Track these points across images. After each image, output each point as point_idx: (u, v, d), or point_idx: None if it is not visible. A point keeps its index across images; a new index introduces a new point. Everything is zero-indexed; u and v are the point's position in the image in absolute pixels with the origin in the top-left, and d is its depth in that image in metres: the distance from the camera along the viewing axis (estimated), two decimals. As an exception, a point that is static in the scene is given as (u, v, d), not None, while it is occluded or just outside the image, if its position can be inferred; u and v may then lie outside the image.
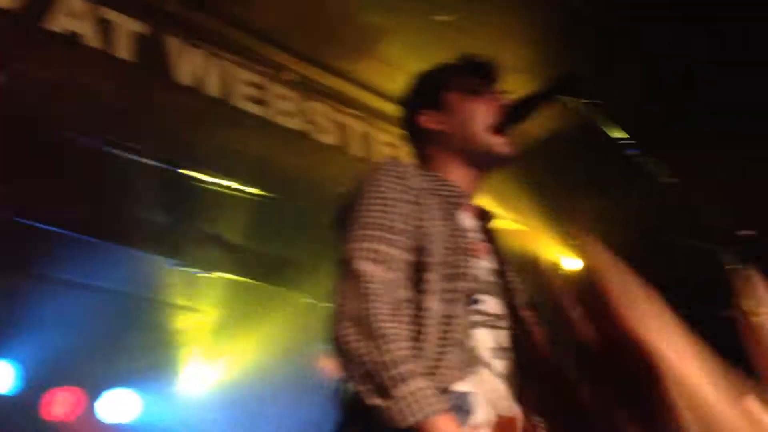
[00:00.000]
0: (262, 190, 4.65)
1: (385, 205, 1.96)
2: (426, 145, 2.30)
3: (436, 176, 2.18)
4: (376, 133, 4.89)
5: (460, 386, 1.90)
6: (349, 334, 1.78)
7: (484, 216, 2.28)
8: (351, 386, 1.79)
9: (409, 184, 2.03)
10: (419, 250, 1.96)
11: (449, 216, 2.09)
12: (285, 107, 4.45)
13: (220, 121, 4.24)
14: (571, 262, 6.12)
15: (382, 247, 1.90)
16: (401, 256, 1.92)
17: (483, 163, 2.25)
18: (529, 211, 5.82)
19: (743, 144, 5.17)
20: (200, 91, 4.13)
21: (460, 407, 1.88)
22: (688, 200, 1.76)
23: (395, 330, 1.78)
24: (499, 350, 2.05)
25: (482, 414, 1.93)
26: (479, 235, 2.20)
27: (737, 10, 4.33)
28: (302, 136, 4.51)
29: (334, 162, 4.59)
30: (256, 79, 4.39)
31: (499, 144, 2.19)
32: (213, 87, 4.17)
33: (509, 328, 2.10)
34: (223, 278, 5.32)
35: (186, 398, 6.05)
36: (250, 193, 4.72)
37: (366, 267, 1.85)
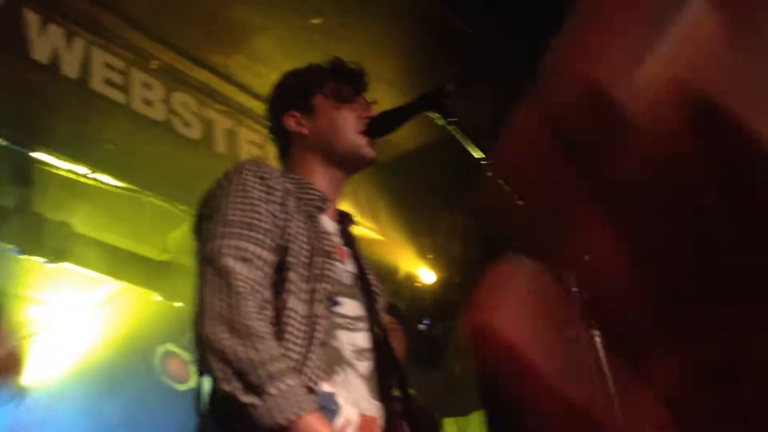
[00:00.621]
0: (117, 180, 4.47)
1: (250, 204, 1.95)
2: (290, 146, 2.30)
3: (299, 179, 2.19)
4: (243, 131, 4.81)
5: (325, 386, 1.92)
6: (218, 332, 1.75)
7: (344, 220, 2.30)
8: (218, 385, 1.74)
9: (271, 185, 2.02)
10: (282, 251, 1.96)
11: (311, 219, 2.10)
12: (148, 96, 4.29)
13: (77, 104, 4.04)
14: (427, 275, 6.25)
15: (247, 245, 1.88)
16: (265, 255, 1.91)
17: (345, 165, 2.27)
18: (389, 223, 5.90)
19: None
20: (58, 72, 3.92)
21: (326, 407, 1.89)
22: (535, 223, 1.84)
23: (265, 328, 1.78)
24: (360, 351, 2.07)
25: (347, 413, 1.95)
26: (340, 239, 2.22)
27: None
28: (164, 127, 4.36)
29: (197, 157, 4.48)
30: (119, 63, 4.21)
31: (363, 146, 2.23)
32: (72, 68, 3.96)
33: (368, 330, 2.13)
34: (71, 270, 5.08)
35: (29, 391, 5.75)
36: (104, 183, 4.53)
37: (233, 264, 1.83)
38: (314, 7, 4.31)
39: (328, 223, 2.20)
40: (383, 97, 2.38)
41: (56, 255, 4.78)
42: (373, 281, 2.26)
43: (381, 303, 2.27)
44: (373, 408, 2.05)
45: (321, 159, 2.26)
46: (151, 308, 5.52)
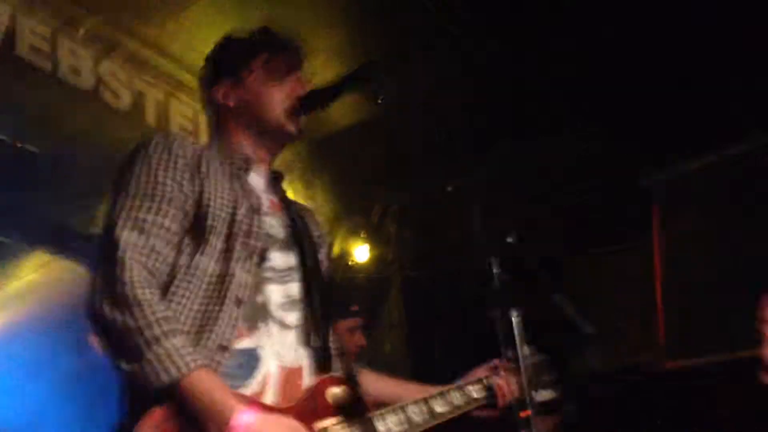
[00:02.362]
0: (41, 149, 4.32)
1: (153, 175, 1.97)
2: (219, 115, 2.32)
3: (221, 146, 2.23)
4: (174, 102, 4.71)
5: (244, 342, 1.96)
6: (103, 303, 1.78)
7: (275, 177, 2.34)
8: (106, 355, 1.78)
9: (180, 153, 2.04)
10: (195, 215, 1.99)
11: (237, 179, 2.14)
12: (76, 64, 4.16)
13: (1, 71, 3.90)
14: (360, 253, 6.26)
15: (142, 215, 1.91)
16: (165, 222, 1.93)
17: (270, 140, 2.29)
18: (324, 199, 5.89)
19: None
20: (-21, 35, 3.77)
21: (244, 363, 1.94)
22: (466, 205, 1.87)
23: (149, 296, 1.80)
24: (291, 303, 2.12)
25: (267, 366, 1.99)
26: (271, 195, 2.27)
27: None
28: (92, 96, 4.24)
29: (126, 128, 4.37)
30: (45, 30, 4.06)
31: (288, 125, 2.25)
32: (-5, 33, 3.81)
33: (303, 281, 2.17)
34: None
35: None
36: (27, 150, 4.38)
37: (124, 234, 1.86)
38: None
39: (257, 181, 2.24)
40: (321, 67, 2.36)
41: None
42: (312, 232, 2.31)
43: (323, 252, 2.34)
44: (299, 358, 2.09)
45: (247, 131, 2.28)
46: (77, 281, 5.41)
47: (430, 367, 5.96)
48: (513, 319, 1.83)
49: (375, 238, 6.27)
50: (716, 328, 5.05)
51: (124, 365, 1.74)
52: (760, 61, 4.63)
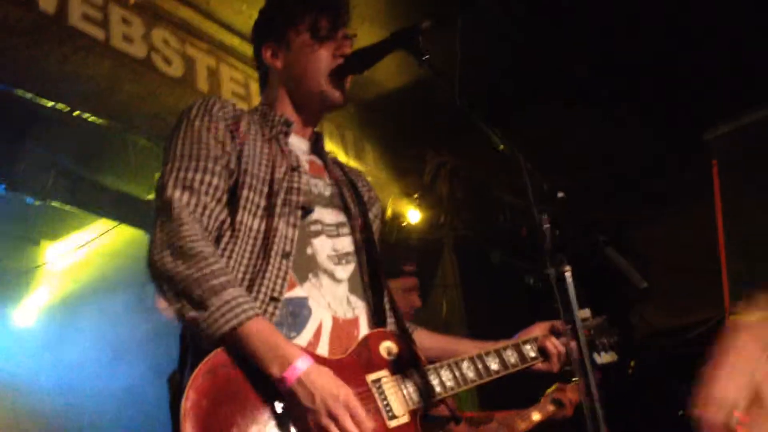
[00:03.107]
0: (99, 118, 4.40)
1: (197, 136, 2.04)
2: (267, 76, 2.37)
3: (263, 109, 2.28)
4: (224, 68, 4.74)
5: (296, 292, 2.02)
6: (164, 257, 1.87)
7: (318, 140, 2.38)
8: (169, 306, 1.85)
9: (220, 115, 2.09)
10: (237, 172, 2.05)
11: (275, 142, 2.18)
12: (128, 32, 4.20)
13: (55, 40, 3.96)
14: (412, 215, 6.26)
15: (191, 175, 1.98)
16: (213, 180, 2.00)
17: (313, 105, 2.32)
18: (375, 162, 5.88)
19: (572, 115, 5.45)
20: (35, 6, 3.82)
21: (296, 312, 2.00)
22: (515, 162, 1.85)
23: (206, 248, 1.88)
24: (340, 256, 2.17)
25: (319, 316, 2.04)
26: (313, 156, 2.32)
27: None
28: (145, 64, 4.29)
29: (179, 94, 4.41)
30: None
31: (331, 91, 2.26)
32: (48, 3, 3.86)
33: (351, 235, 2.23)
34: (58, 208, 5.06)
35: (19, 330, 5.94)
36: (86, 120, 4.46)
37: (176, 194, 1.94)
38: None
39: (299, 143, 2.29)
40: (362, 34, 2.36)
41: (43, 193, 4.77)
42: (361, 191, 2.36)
43: (373, 212, 2.39)
44: (352, 311, 2.13)
45: (291, 94, 2.31)
46: (141, 246, 5.50)
47: (487, 327, 5.95)
48: (567, 276, 1.82)
49: (427, 198, 6.25)
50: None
51: (189, 312, 1.82)
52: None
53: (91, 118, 4.40)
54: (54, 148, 4.76)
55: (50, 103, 4.21)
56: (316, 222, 2.14)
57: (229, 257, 1.96)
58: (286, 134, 2.24)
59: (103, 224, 5.81)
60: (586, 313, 2.60)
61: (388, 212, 6.07)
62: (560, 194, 1.79)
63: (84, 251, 6.08)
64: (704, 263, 5.41)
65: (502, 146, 1.96)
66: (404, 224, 6.17)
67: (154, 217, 1.95)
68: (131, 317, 5.58)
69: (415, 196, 6.20)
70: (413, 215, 6.24)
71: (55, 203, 4.94)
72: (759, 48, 4.76)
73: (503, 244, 5.95)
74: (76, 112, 4.34)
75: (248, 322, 1.80)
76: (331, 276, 2.12)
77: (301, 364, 1.80)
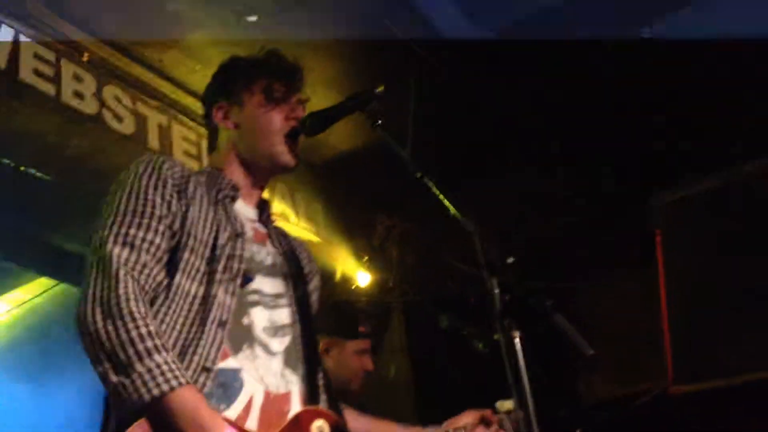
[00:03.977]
0: (45, 174, 4.33)
1: (143, 193, 2.00)
2: (216, 137, 2.36)
3: (211, 171, 2.26)
4: (176, 127, 4.73)
5: (228, 363, 1.96)
6: (95, 314, 1.79)
7: (264, 207, 2.36)
8: (93, 367, 1.78)
9: (167, 173, 2.06)
10: (179, 234, 2.01)
11: (222, 206, 2.15)
12: (79, 89, 4.18)
13: (4, 95, 3.91)
14: (363, 277, 6.24)
15: (133, 231, 1.93)
16: (153, 239, 1.95)
17: (264, 168, 2.32)
18: (325, 224, 5.88)
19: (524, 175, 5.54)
20: (-17, 61, 3.79)
21: (227, 384, 1.94)
22: (464, 225, 1.87)
23: (138, 309, 1.80)
24: (277, 328, 2.12)
25: (251, 389, 1.98)
26: (257, 224, 2.29)
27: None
28: (96, 120, 4.26)
29: (129, 152, 4.37)
30: (49, 55, 4.09)
31: (283, 153, 2.27)
32: (-1, 57, 3.83)
33: (289, 307, 2.18)
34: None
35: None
36: (32, 176, 4.38)
37: (116, 249, 1.88)
38: (250, 4, 4.27)
39: (245, 209, 2.27)
40: (319, 97, 2.39)
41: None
42: (303, 263, 2.33)
43: (312, 283, 2.36)
44: (285, 384, 2.08)
45: (241, 155, 2.31)
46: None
47: (434, 392, 5.92)
48: (516, 342, 1.82)
49: (377, 262, 6.25)
50: (723, 352, 5.01)
51: (112, 377, 1.74)
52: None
53: (38, 174, 4.33)
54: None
55: (0, 159, 4.14)
56: (255, 291, 2.11)
57: (162, 320, 1.90)
58: (233, 199, 2.22)
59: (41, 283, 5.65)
60: (510, 404, 2.61)
61: (337, 275, 6.04)
62: (510, 259, 1.82)
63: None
64: (648, 332, 5.49)
65: (453, 211, 1.98)
66: (353, 287, 6.14)
67: (89, 270, 1.89)
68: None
69: (365, 259, 6.20)
70: (363, 278, 6.23)
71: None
72: (707, 117, 4.91)
73: (452, 308, 5.97)
74: (22, 168, 4.27)
75: (173, 392, 1.72)
76: (266, 348, 2.07)
77: None
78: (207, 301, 1.95)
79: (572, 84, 4.86)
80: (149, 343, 1.76)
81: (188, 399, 1.74)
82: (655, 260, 5.48)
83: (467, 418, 2.48)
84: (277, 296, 2.17)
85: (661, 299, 5.41)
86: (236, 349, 2.00)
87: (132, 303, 1.80)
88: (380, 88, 2.18)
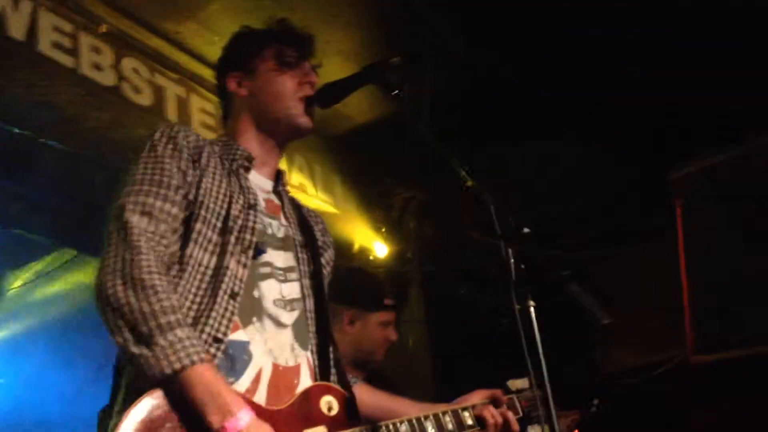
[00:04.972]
0: (66, 146, 4.35)
1: (159, 162, 1.99)
2: (230, 106, 2.35)
3: (225, 140, 2.24)
4: (194, 98, 4.73)
5: (238, 335, 1.96)
6: (115, 285, 1.79)
7: (279, 178, 2.34)
8: (112, 337, 1.79)
9: (183, 143, 2.06)
10: (193, 204, 2.01)
11: (236, 176, 2.14)
12: (97, 60, 4.18)
13: (24, 67, 3.93)
14: (379, 248, 6.25)
15: (151, 200, 1.92)
16: (171, 209, 1.95)
17: (280, 131, 2.30)
18: (344, 196, 5.89)
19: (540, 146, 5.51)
20: (4, 32, 3.79)
21: (235, 356, 1.95)
22: (481, 196, 1.87)
23: (160, 281, 1.81)
24: (287, 302, 2.11)
25: (259, 362, 1.99)
26: (271, 195, 2.28)
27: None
28: (114, 93, 4.26)
29: (148, 123, 4.39)
30: (67, 27, 4.09)
31: (298, 114, 2.25)
32: (18, 29, 3.84)
33: (299, 281, 2.18)
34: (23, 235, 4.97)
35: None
36: (53, 147, 4.41)
37: (135, 218, 1.87)
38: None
39: (259, 179, 2.25)
40: (335, 68, 2.38)
41: (7, 221, 4.69)
42: (316, 235, 2.31)
43: (327, 255, 2.35)
44: (295, 358, 2.09)
45: (256, 122, 2.29)
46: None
47: (452, 363, 5.94)
48: (531, 312, 1.83)
49: (395, 233, 6.26)
50: (742, 323, 5.00)
51: (133, 348, 1.75)
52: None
53: (58, 147, 4.35)
54: (17, 175, 4.68)
55: (15, 129, 4.16)
56: (266, 264, 2.10)
57: (174, 291, 1.89)
58: (247, 169, 2.21)
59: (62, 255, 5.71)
60: (524, 383, 2.61)
61: (355, 246, 6.06)
62: (526, 230, 1.82)
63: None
64: (667, 301, 5.47)
65: (470, 182, 1.97)
66: (371, 258, 6.16)
67: (107, 239, 1.88)
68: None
69: (383, 230, 6.20)
70: (380, 249, 6.24)
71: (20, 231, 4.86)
72: (729, 89, 4.84)
73: (470, 279, 5.96)
74: (41, 139, 4.30)
75: (193, 366, 1.73)
76: (276, 321, 2.07)
77: (243, 417, 1.74)
78: (219, 272, 1.96)
79: (595, 51, 4.80)
80: (171, 317, 1.76)
81: (207, 375, 1.75)
82: (675, 231, 5.45)
83: (476, 397, 2.49)
84: (289, 270, 2.17)
85: (681, 270, 5.39)
86: (246, 322, 2.00)
87: (155, 275, 1.80)
88: (395, 59, 2.17)
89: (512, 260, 1.84)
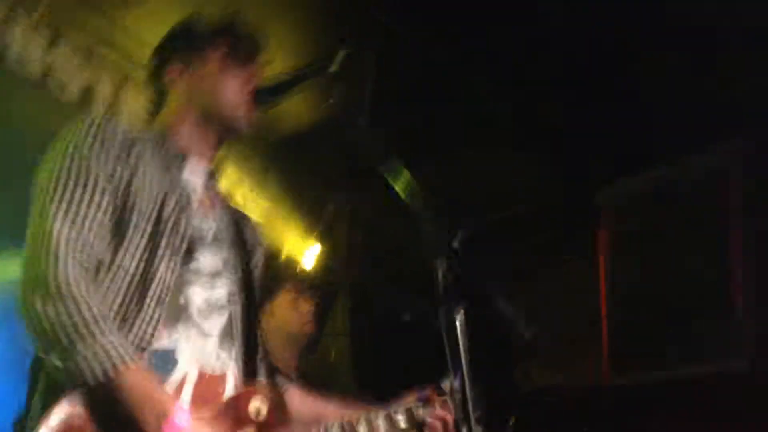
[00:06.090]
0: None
1: (84, 162, 1.88)
2: (167, 98, 2.25)
3: (159, 132, 2.15)
4: (122, 97, 4.63)
5: (163, 343, 1.92)
6: (32, 296, 1.73)
7: (212, 173, 2.27)
8: (36, 352, 1.73)
9: (112, 141, 1.94)
10: (122, 208, 1.92)
11: (167, 172, 2.06)
12: (24, 53, 4.06)
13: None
14: (308, 259, 6.23)
15: (77, 206, 1.84)
16: (98, 215, 1.86)
17: (218, 130, 2.22)
18: (274, 200, 5.85)
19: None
20: None
21: (161, 365, 1.90)
22: (412, 207, 1.87)
23: (84, 292, 1.74)
24: (213, 308, 2.06)
25: (184, 369, 1.95)
26: (204, 192, 2.19)
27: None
28: (41, 86, 4.14)
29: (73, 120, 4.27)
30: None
31: (239, 117, 2.20)
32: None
33: (228, 287, 2.13)
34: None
35: None
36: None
37: (57, 226, 1.79)
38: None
39: (192, 176, 2.16)
40: (280, 63, 2.34)
41: None
42: (246, 237, 2.26)
43: (256, 257, 2.29)
44: (221, 366, 2.05)
45: (195, 116, 2.20)
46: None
47: (375, 376, 5.93)
48: (457, 324, 1.84)
49: (325, 241, 6.24)
50: (659, 346, 5.14)
51: (56, 362, 1.70)
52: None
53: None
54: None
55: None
56: (194, 269, 2.05)
57: (98, 298, 1.82)
58: (180, 165, 2.13)
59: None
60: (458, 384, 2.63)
61: (283, 255, 6.01)
62: (455, 242, 1.83)
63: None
64: (587, 321, 5.58)
65: (402, 194, 1.97)
66: (300, 266, 6.12)
67: (28, 245, 1.81)
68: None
69: (312, 238, 6.18)
70: (308, 260, 6.21)
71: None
72: (657, 109, 4.95)
73: (399, 290, 5.97)
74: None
75: (120, 371, 1.69)
76: (201, 328, 2.03)
77: (179, 421, 1.71)
78: (147, 277, 1.90)
79: (539, 64, 4.87)
80: (93, 327, 1.71)
81: (138, 375, 1.72)
82: (597, 252, 5.58)
83: (409, 399, 2.48)
84: (216, 274, 2.11)
85: (600, 291, 5.51)
86: (171, 328, 1.96)
87: (73, 285, 1.73)
88: (334, 66, 2.15)
89: (440, 271, 1.85)
